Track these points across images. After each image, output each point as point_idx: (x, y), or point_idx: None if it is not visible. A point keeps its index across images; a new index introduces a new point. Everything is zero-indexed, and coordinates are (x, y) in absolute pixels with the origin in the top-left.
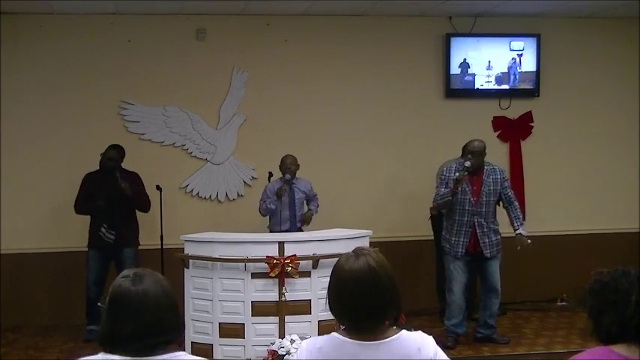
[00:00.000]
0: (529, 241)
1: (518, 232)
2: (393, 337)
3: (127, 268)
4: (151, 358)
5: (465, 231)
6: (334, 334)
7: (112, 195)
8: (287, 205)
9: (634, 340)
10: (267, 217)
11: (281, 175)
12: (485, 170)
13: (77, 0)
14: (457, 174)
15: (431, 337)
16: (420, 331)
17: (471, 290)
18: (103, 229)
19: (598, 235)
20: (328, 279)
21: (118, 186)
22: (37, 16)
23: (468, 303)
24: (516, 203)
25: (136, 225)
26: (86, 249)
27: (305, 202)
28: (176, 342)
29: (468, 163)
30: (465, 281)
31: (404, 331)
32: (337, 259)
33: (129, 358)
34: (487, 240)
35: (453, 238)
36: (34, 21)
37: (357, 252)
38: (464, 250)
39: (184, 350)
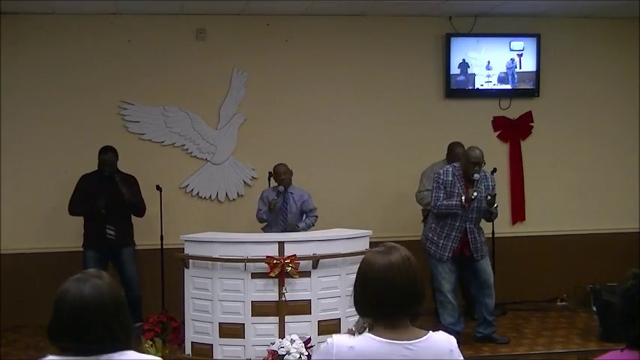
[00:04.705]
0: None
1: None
2: (425, 337)
3: (128, 267)
4: (96, 357)
5: (454, 236)
6: (367, 334)
7: (111, 199)
8: (279, 213)
9: None
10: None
11: (276, 184)
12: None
13: (77, 0)
14: (475, 193)
15: (455, 339)
16: (442, 332)
17: (463, 289)
18: (108, 231)
19: (598, 235)
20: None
21: (119, 191)
22: (37, 16)
23: (463, 301)
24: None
25: (132, 224)
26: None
27: (303, 213)
28: (127, 349)
29: (476, 176)
30: (453, 280)
31: (432, 332)
32: (338, 259)
33: (74, 358)
34: (478, 244)
35: (442, 242)
36: (34, 21)
37: (387, 246)
38: (450, 255)
39: (184, 350)
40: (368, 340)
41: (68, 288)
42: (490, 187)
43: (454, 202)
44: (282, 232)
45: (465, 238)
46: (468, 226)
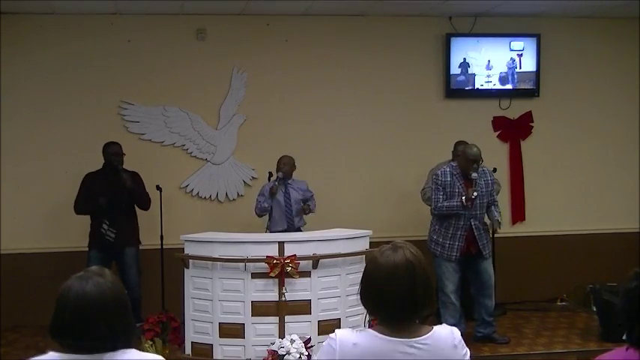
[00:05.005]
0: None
1: (496, 218)
2: (429, 333)
3: (129, 267)
4: (99, 355)
5: (460, 235)
6: (369, 330)
7: (114, 193)
8: (282, 205)
9: None
10: (267, 217)
11: (277, 176)
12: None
13: (77, 0)
14: (475, 193)
15: (459, 331)
16: (445, 325)
17: (463, 290)
18: (104, 226)
19: (598, 235)
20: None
21: (121, 178)
22: (37, 16)
23: (464, 302)
24: (497, 203)
25: (137, 225)
26: (86, 249)
27: (302, 202)
28: (127, 347)
29: (475, 175)
30: (457, 281)
31: (436, 327)
32: (338, 259)
33: (75, 355)
34: (485, 241)
35: (448, 242)
36: (34, 21)
37: (395, 245)
38: (458, 254)
39: (184, 350)
40: (371, 337)
41: (70, 285)
42: (490, 182)
43: (455, 203)
44: (290, 223)
45: (470, 236)
46: (473, 223)
